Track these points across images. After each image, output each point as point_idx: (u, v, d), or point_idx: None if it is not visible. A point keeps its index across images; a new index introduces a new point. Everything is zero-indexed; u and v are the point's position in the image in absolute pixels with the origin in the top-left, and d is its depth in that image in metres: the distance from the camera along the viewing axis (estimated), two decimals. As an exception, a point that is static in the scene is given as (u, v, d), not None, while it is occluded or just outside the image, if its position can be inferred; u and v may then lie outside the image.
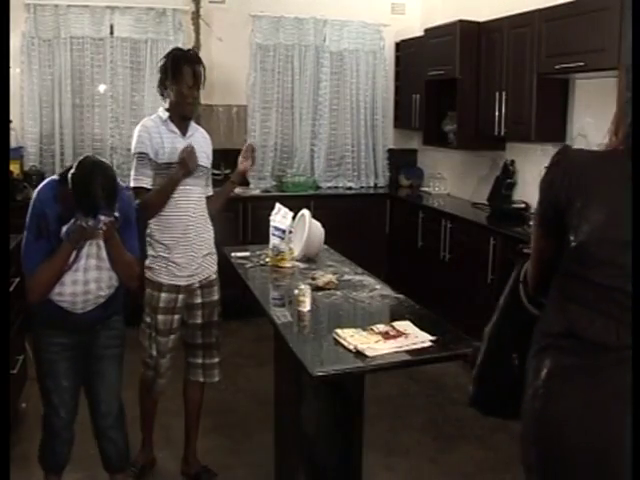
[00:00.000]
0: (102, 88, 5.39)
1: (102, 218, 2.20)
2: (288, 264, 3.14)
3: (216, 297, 3.02)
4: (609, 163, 1.45)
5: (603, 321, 1.41)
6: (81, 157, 2.32)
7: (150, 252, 2.86)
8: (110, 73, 5.37)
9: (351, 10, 5.91)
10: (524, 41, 4.18)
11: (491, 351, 1.68)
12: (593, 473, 1.43)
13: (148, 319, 2.86)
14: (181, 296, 2.87)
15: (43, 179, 2.60)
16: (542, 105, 4.12)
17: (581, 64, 3.62)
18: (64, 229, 2.30)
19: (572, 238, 1.44)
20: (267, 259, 3.22)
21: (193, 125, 2.94)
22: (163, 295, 2.83)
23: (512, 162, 4.73)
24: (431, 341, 2.21)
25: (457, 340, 2.27)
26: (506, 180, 4.68)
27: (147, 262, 2.87)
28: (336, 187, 6.05)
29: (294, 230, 3.28)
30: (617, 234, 1.39)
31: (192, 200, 2.85)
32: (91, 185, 2.18)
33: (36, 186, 2.52)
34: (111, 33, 5.34)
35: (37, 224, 2.31)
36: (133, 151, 2.82)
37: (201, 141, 2.94)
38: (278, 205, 3.34)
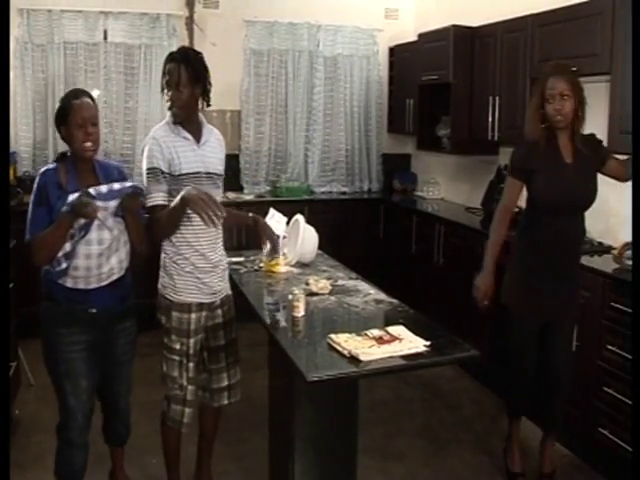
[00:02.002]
0: (96, 93, 5.36)
1: (101, 204, 2.34)
2: (282, 269, 3.14)
3: (234, 313, 2.87)
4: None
5: None
6: None
7: (173, 272, 2.64)
8: (104, 78, 5.37)
9: (345, 15, 5.93)
10: (517, 46, 4.19)
11: None
12: None
13: (178, 345, 2.65)
14: (204, 314, 2.71)
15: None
16: (535, 110, 4.13)
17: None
18: (69, 198, 2.34)
19: None
20: (261, 264, 3.22)
21: (207, 128, 2.70)
22: (193, 316, 2.65)
23: (506, 167, 4.73)
24: (425, 346, 2.22)
25: (451, 345, 2.28)
26: (500, 184, 4.67)
27: (169, 283, 2.65)
28: (330, 192, 6.05)
29: (288, 235, 3.28)
30: None
31: None
32: (66, 96, 2.52)
33: (29, 192, 2.57)
34: (105, 38, 5.34)
35: (39, 194, 2.45)
36: (144, 167, 2.57)
37: (216, 146, 2.73)
38: (272, 210, 3.34)
